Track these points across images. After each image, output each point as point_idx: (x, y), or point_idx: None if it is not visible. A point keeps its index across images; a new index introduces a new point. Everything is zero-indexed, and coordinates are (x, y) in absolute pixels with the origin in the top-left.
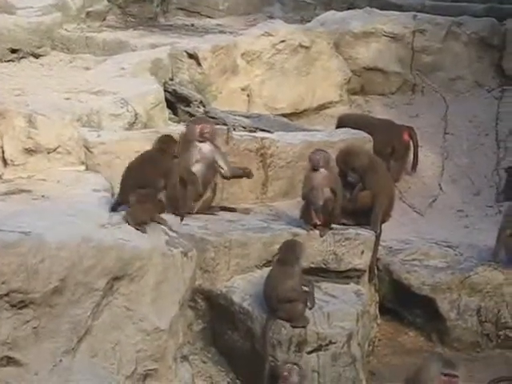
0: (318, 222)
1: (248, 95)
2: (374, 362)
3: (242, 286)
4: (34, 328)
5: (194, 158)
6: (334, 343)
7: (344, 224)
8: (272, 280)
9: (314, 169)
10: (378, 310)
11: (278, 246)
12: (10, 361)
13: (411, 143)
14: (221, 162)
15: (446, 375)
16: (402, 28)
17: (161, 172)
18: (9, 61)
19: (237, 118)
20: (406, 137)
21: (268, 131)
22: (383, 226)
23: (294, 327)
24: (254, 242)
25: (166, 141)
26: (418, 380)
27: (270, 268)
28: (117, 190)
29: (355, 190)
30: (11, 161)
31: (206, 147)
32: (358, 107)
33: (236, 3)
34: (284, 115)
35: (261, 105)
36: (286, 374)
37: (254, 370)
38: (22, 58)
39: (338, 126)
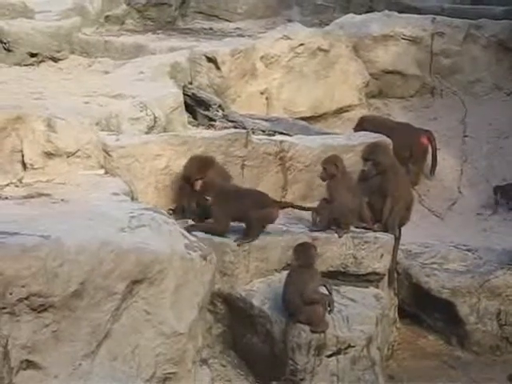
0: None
1: (267, 98)
2: (393, 365)
3: (261, 289)
4: (54, 331)
5: None
6: (354, 347)
7: (364, 228)
8: (293, 283)
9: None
10: (397, 313)
11: None
12: (30, 364)
13: (429, 147)
14: None
15: None
16: (421, 31)
17: None
18: (28, 65)
19: (256, 121)
20: (424, 140)
21: (287, 134)
22: (402, 229)
23: (313, 332)
24: (273, 245)
25: None
26: None
27: (288, 272)
28: (136, 193)
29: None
30: (31, 164)
31: None
32: (377, 110)
33: (254, 7)
34: (303, 118)
35: (279, 108)
36: None
37: (274, 374)
38: (41, 62)
39: (357, 127)
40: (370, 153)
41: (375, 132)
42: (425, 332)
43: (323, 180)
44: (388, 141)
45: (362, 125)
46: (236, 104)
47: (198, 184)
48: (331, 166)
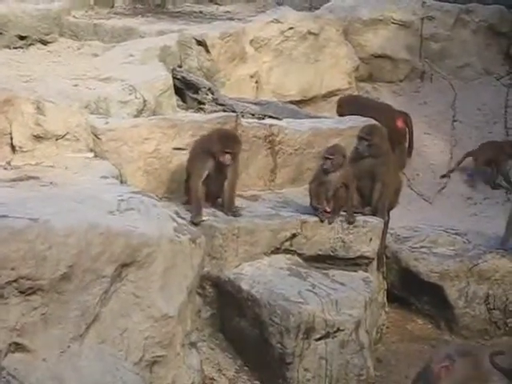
0: (328, 210)
1: (256, 82)
2: (381, 349)
3: (250, 272)
4: (43, 314)
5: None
6: (342, 330)
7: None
8: None
9: (325, 172)
10: (386, 297)
11: (286, 234)
12: (18, 347)
13: (406, 129)
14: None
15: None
16: (411, 15)
17: None
18: (17, 48)
19: (245, 104)
20: (399, 124)
21: (276, 118)
22: (391, 213)
23: None
24: (262, 229)
25: None
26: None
27: None
28: (125, 176)
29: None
30: (19, 147)
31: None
32: (366, 94)
33: None
34: (292, 102)
35: (269, 92)
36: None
37: (262, 357)
38: (30, 44)
39: (338, 108)
40: (368, 133)
41: (355, 111)
42: (413, 316)
43: (327, 171)
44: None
45: (342, 104)
46: (225, 87)
47: (227, 158)
48: (339, 157)
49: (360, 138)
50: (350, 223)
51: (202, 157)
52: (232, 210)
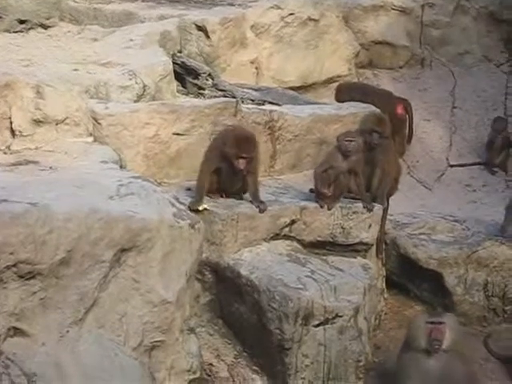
0: (329, 194)
1: (256, 68)
2: (380, 335)
3: (249, 258)
4: (41, 299)
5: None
6: (341, 317)
7: (352, 198)
8: None
9: (344, 155)
10: (384, 283)
11: (285, 220)
12: (17, 331)
13: (406, 116)
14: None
15: (430, 323)
16: (411, 2)
17: None
18: (17, 32)
19: (245, 90)
20: (399, 110)
21: (276, 104)
22: (391, 199)
23: None
24: (261, 215)
25: None
26: (409, 340)
27: None
28: (125, 161)
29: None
30: (19, 132)
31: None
32: (367, 81)
33: None
34: (292, 88)
35: (269, 78)
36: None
37: (261, 343)
38: (30, 29)
39: (337, 95)
40: (379, 125)
41: (354, 98)
42: (412, 302)
43: (349, 154)
44: (376, 112)
45: (341, 90)
46: (226, 73)
47: (241, 163)
48: (359, 142)
49: (372, 131)
50: (369, 210)
51: (217, 153)
52: (260, 201)
